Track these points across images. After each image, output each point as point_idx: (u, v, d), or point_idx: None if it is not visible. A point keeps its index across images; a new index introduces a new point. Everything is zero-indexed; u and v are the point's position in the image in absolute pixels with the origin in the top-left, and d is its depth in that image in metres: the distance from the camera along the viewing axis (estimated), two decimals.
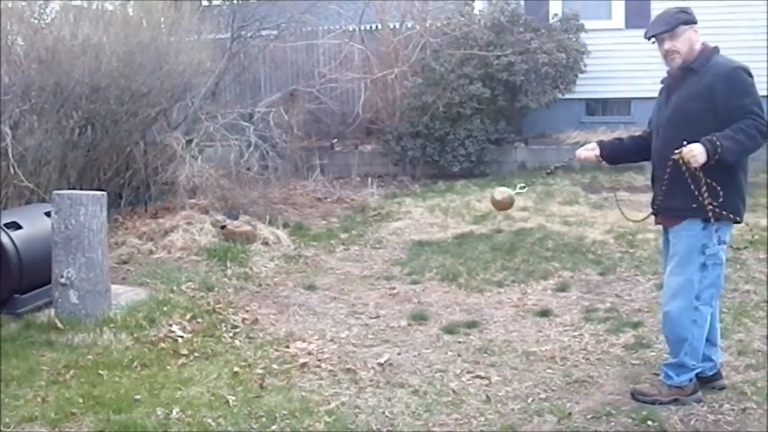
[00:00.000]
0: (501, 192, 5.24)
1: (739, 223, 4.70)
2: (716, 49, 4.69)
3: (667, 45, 4.69)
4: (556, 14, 13.56)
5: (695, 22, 4.67)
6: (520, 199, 10.71)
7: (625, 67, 13.29)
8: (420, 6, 13.79)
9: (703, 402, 4.73)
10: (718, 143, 4.34)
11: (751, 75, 4.52)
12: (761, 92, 4.59)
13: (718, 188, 4.45)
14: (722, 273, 4.72)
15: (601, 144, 5.15)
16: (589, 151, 5.12)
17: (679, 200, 4.61)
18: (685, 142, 4.40)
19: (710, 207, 4.48)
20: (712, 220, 4.50)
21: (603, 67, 13.48)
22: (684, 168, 4.43)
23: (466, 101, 12.60)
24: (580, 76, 13.26)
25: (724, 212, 4.50)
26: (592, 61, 13.28)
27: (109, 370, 5.32)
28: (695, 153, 4.36)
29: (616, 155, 5.19)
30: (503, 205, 5.33)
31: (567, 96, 13.34)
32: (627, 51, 13.13)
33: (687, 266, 4.65)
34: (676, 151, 4.45)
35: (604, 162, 5.19)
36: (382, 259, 8.59)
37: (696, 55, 4.64)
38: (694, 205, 4.54)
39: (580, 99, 13.99)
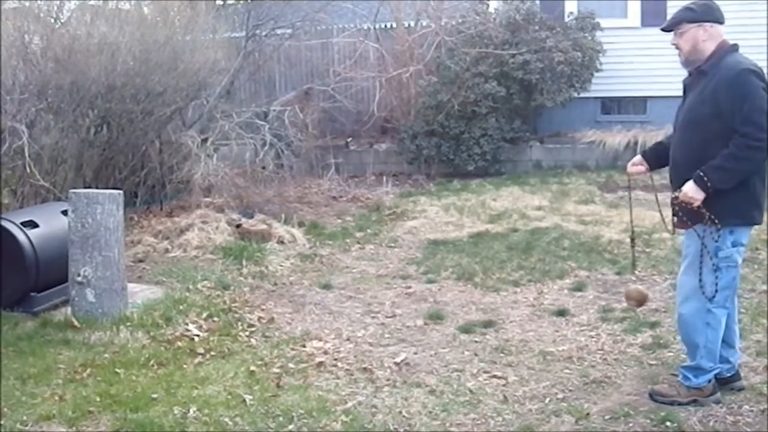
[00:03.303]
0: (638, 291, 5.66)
1: (755, 225, 4.66)
2: (732, 48, 4.58)
3: (672, 41, 4.70)
4: (571, 13, 13.52)
5: (706, 21, 4.56)
6: (536, 199, 10.74)
7: (641, 65, 13.24)
8: (435, 4, 13.78)
9: (722, 403, 4.71)
10: (706, 178, 4.43)
11: (760, 77, 4.39)
12: None
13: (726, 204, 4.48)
14: (737, 275, 4.66)
15: (644, 155, 5.16)
16: (637, 166, 5.15)
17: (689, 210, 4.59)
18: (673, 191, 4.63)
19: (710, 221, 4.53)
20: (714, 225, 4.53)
21: (618, 66, 13.43)
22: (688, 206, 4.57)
23: (481, 100, 12.58)
24: (596, 74, 13.20)
25: (734, 218, 4.51)
26: (607, 59, 13.23)
27: (125, 369, 5.33)
28: (690, 195, 4.50)
29: (660, 160, 5.05)
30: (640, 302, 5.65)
31: (582, 95, 13.28)
32: (643, 50, 13.09)
33: (698, 269, 4.61)
34: (675, 194, 4.61)
35: (650, 173, 5.23)
36: (398, 258, 8.58)
37: (707, 56, 4.57)
38: (697, 208, 4.56)
39: (595, 98, 13.94)
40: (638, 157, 5.18)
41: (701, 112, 4.55)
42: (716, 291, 4.57)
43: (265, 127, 11.02)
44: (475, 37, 12.97)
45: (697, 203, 4.50)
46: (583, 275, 7.58)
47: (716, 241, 4.53)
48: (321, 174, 12.67)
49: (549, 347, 5.77)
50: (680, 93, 4.85)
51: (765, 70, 4.56)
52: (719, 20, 4.62)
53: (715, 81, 4.48)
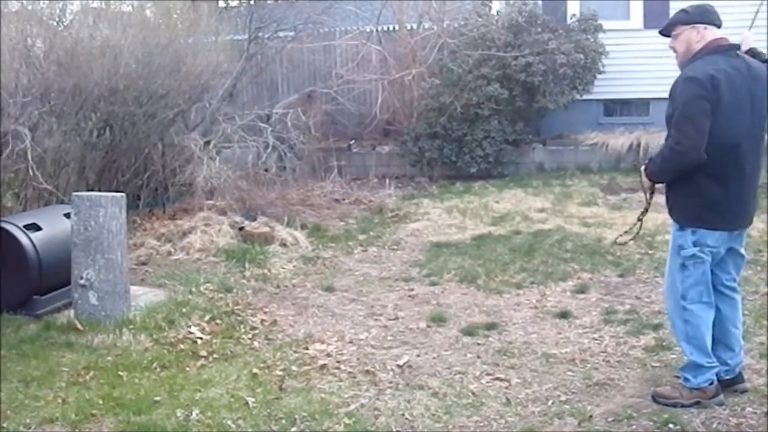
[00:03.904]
0: None
1: (720, 230, 4.62)
2: (713, 50, 4.59)
3: (670, 44, 4.78)
4: (574, 14, 13.51)
5: (700, 22, 4.62)
6: (538, 201, 10.74)
7: (644, 67, 13.21)
8: (437, 7, 13.77)
9: (725, 405, 4.70)
10: (644, 165, 4.84)
11: (702, 85, 4.41)
12: None
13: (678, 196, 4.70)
14: (707, 270, 4.66)
15: None
16: None
17: (669, 201, 4.80)
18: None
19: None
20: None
21: (621, 68, 13.41)
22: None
23: (484, 102, 12.58)
24: (598, 76, 13.20)
25: (686, 220, 4.65)
26: (610, 61, 13.22)
27: (128, 372, 5.33)
28: (642, 176, 4.92)
29: None
30: None
31: (585, 97, 13.28)
32: (645, 51, 13.06)
33: (671, 267, 4.77)
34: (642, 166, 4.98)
35: None
36: (401, 260, 8.58)
37: (691, 57, 4.64)
38: (669, 207, 4.76)
39: (598, 100, 13.93)
40: None
41: (666, 114, 4.69)
42: (687, 288, 4.66)
43: (268, 130, 11.02)
44: (478, 39, 12.97)
45: (646, 185, 4.93)
46: (586, 277, 7.58)
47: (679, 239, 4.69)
48: (323, 176, 12.67)
49: (552, 349, 5.77)
50: None
51: (765, 69, 4.58)
52: (714, 23, 4.66)
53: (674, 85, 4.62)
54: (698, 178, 4.52)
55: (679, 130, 4.45)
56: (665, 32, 4.76)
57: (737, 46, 4.64)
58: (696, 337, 4.68)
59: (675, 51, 4.73)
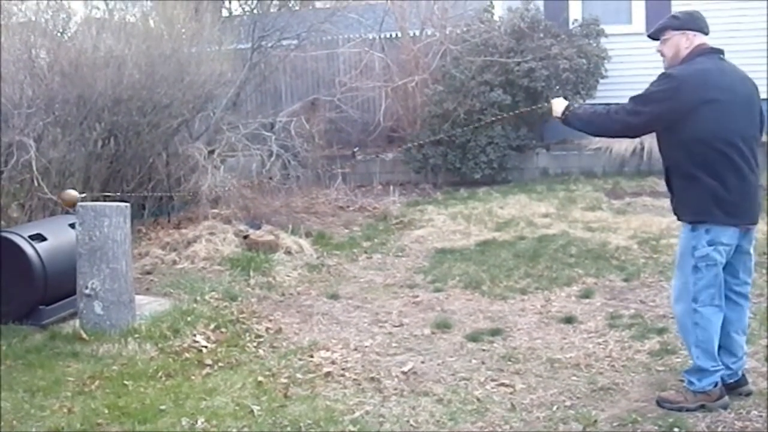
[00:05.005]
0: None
1: (731, 225, 4.61)
2: (701, 52, 4.66)
3: (657, 48, 4.86)
4: (576, 19, 13.53)
5: (690, 29, 4.70)
6: (543, 206, 10.73)
7: (647, 71, 13.01)
8: (440, 13, 13.80)
9: (730, 408, 4.69)
10: (573, 105, 4.96)
11: (674, 78, 4.58)
12: (761, 95, 4.65)
13: None
14: (720, 273, 4.65)
15: None
16: None
17: (674, 202, 4.81)
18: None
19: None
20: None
21: (624, 72, 13.36)
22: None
23: (487, 108, 12.57)
24: (602, 81, 13.20)
25: (693, 216, 4.63)
26: (613, 65, 13.22)
27: (134, 381, 5.33)
28: (555, 104, 5.14)
29: None
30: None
31: (588, 101, 13.24)
32: (648, 55, 12.99)
33: (683, 269, 4.72)
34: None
35: None
36: (405, 267, 8.58)
37: (679, 61, 4.69)
38: (674, 207, 4.76)
39: (601, 104, 13.87)
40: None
41: None
42: (699, 290, 4.63)
43: (272, 138, 11.03)
44: (480, 45, 13.00)
45: (553, 113, 5.12)
46: (591, 282, 7.57)
47: (692, 240, 4.64)
48: (328, 184, 12.67)
49: (556, 354, 5.77)
50: None
51: (765, 72, 4.63)
52: (703, 30, 4.74)
53: None
54: (700, 175, 4.53)
55: (626, 106, 4.68)
56: (654, 36, 4.82)
57: (721, 51, 4.72)
58: (705, 340, 4.67)
59: (663, 55, 4.82)
